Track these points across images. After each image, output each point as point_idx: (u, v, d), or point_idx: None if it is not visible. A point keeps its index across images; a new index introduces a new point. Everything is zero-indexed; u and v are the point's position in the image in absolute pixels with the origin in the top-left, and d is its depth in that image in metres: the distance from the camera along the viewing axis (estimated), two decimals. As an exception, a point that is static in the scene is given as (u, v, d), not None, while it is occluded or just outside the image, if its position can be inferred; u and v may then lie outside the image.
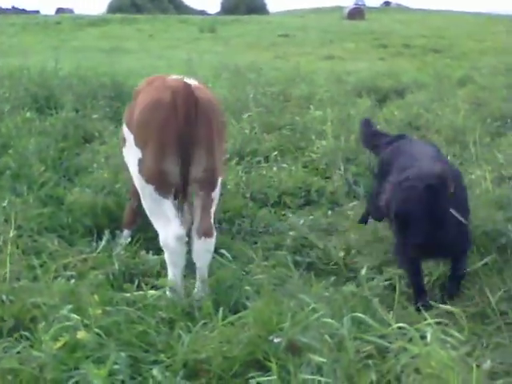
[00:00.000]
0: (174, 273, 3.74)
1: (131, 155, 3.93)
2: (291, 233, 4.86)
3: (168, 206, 3.68)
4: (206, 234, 3.75)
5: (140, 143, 3.74)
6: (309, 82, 11.66)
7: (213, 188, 3.78)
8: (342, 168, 6.31)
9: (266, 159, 6.77)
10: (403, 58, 20.14)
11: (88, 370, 2.58)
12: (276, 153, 6.84)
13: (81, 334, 2.87)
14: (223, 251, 4.01)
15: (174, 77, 3.99)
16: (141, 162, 3.74)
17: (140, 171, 3.76)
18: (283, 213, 5.49)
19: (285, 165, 6.53)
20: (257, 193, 5.73)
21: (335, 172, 6.31)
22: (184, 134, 3.55)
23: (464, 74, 13.59)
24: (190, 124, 3.56)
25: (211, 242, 3.77)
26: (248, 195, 5.74)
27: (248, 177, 5.97)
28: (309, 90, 10.32)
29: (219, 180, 3.84)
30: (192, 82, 3.88)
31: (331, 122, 7.39)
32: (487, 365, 2.47)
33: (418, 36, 27.29)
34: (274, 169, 6.43)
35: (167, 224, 3.67)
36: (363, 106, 8.74)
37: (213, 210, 3.82)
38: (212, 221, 3.82)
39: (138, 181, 3.82)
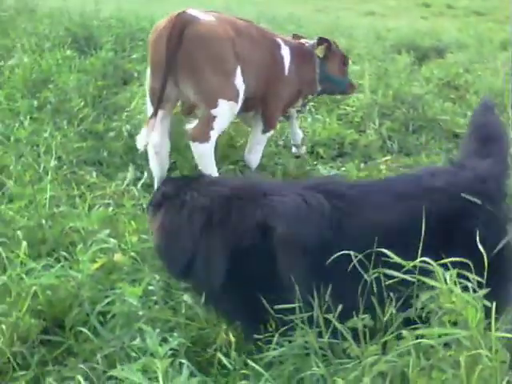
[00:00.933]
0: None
1: None
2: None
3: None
4: (194, 138, 4.15)
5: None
6: (348, 36, 11.54)
7: (210, 106, 4.11)
8: (377, 122, 6.32)
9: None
10: (445, 19, 19.72)
11: (123, 289, 2.71)
12: (311, 104, 6.85)
13: (117, 257, 3.01)
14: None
15: (192, 10, 4.17)
16: None
17: None
18: (315, 162, 5.53)
19: (319, 116, 6.55)
20: (289, 142, 5.77)
21: (369, 126, 6.32)
22: (167, 58, 3.94)
23: (506, 37, 13.29)
24: (172, 50, 3.93)
25: (198, 147, 4.13)
26: (281, 143, 5.82)
27: (282, 126, 6.00)
28: (347, 44, 10.22)
29: (219, 101, 4.10)
30: (205, 15, 4.16)
31: (368, 77, 7.34)
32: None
33: (462, -3, 26.59)
34: (309, 120, 6.47)
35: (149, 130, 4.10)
36: (402, 63, 8.63)
37: (211, 123, 4.13)
38: (204, 129, 4.13)
39: None
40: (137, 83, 6.54)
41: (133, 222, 3.54)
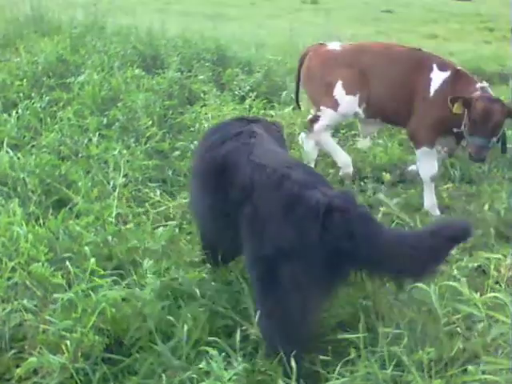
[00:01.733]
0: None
1: None
2: (382, 208, 4.89)
3: None
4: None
5: None
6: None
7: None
8: (440, 149, 6.23)
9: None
10: (509, 43, 19.32)
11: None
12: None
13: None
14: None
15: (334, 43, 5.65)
16: None
17: None
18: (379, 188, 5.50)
19: (380, 141, 6.52)
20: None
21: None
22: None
23: None
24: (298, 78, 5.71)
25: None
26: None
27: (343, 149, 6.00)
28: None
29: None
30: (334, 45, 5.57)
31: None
32: None
33: (527, 21, 26.04)
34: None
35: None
36: (466, 89, 8.51)
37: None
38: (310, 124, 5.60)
39: None
40: (201, 103, 6.65)
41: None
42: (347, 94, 5.33)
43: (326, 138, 5.59)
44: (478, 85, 4.93)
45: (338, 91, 5.35)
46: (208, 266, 3.53)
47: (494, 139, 4.76)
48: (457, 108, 4.81)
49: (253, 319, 2.89)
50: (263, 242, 2.68)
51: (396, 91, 5.19)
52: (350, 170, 5.62)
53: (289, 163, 2.92)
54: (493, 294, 2.28)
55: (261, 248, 2.69)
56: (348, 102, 5.34)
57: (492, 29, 23.62)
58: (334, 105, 5.36)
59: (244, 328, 2.92)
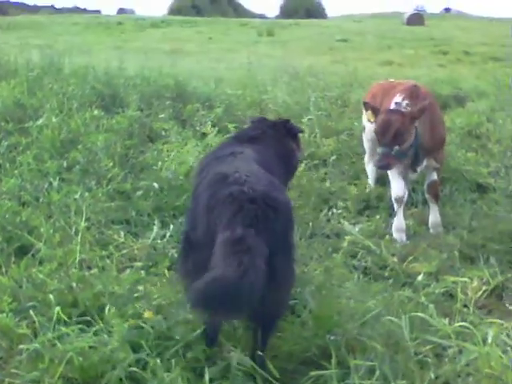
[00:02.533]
0: None
1: None
2: (347, 237, 4.92)
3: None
4: None
5: None
6: (366, 87, 11.62)
7: None
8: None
9: (324, 163, 6.86)
10: (463, 66, 19.87)
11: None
12: (334, 157, 6.92)
13: (148, 314, 3.03)
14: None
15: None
16: None
17: None
18: (344, 215, 5.54)
19: (343, 169, 6.61)
20: (316, 196, 5.81)
21: (394, 179, 6.33)
22: None
23: (525, 83, 13.32)
24: None
25: None
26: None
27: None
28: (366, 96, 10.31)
29: None
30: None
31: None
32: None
33: (478, 43, 26.85)
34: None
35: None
36: (422, 113, 8.68)
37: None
38: None
39: None
40: (163, 141, 6.64)
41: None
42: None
43: None
44: (394, 99, 5.23)
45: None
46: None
47: (397, 147, 4.93)
48: (369, 115, 5.32)
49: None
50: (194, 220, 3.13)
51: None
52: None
53: (247, 172, 3.10)
54: (461, 324, 2.28)
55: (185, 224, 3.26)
56: None
57: (446, 52, 24.30)
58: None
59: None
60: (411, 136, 4.99)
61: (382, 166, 5.09)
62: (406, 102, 5.11)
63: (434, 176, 5.46)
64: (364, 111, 5.71)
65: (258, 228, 2.70)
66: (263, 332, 3.00)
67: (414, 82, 5.81)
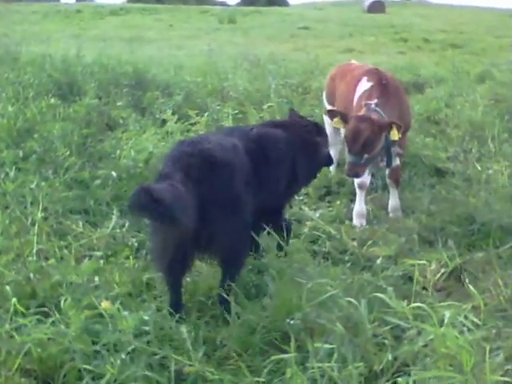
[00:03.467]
0: None
1: None
2: (308, 223, 4.94)
3: None
4: None
5: None
6: (327, 74, 11.67)
7: None
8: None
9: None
10: (422, 53, 20.08)
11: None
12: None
13: (105, 304, 2.99)
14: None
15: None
16: None
17: None
18: (305, 201, 5.56)
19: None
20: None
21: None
22: None
23: (483, 69, 13.55)
24: None
25: None
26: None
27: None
28: (327, 82, 10.35)
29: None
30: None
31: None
32: (500, 357, 2.56)
33: (437, 31, 27.15)
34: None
35: None
36: (382, 100, 8.75)
37: None
38: None
39: None
40: (122, 129, 6.55)
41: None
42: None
43: None
44: (364, 102, 5.09)
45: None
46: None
47: (367, 156, 4.87)
48: (336, 123, 5.11)
49: (191, 354, 2.85)
50: None
51: None
52: None
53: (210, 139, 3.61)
54: (417, 304, 2.30)
55: None
56: None
57: (406, 39, 24.52)
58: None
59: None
60: (381, 142, 4.91)
61: (352, 176, 5.04)
62: (375, 101, 5.02)
63: (397, 161, 5.45)
64: (328, 120, 5.51)
65: (190, 174, 3.18)
66: (223, 271, 3.46)
67: (373, 66, 5.83)
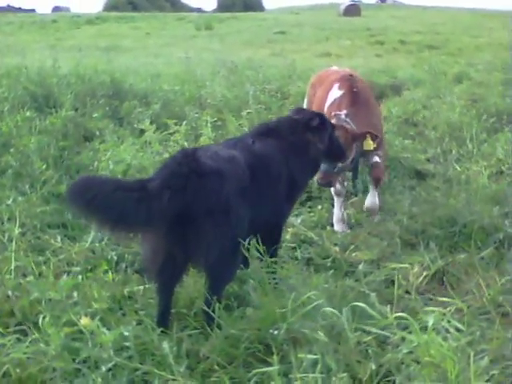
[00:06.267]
0: None
1: None
2: (290, 229, 4.91)
3: None
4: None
5: None
6: (305, 79, 11.67)
7: None
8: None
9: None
10: (399, 55, 20.23)
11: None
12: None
13: (85, 321, 2.94)
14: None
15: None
16: None
17: None
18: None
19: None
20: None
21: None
22: None
23: (460, 70, 13.69)
24: None
25: None
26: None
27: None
28: (305, 87, 10.36)
29: None
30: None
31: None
32: (484, 361, 2.54)
33: (413, 32, 27.41)
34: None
35: None
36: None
37: None
38: None
39: None
40: (99, 140, 6.48)
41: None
42: None
43: None
44: (334, 113, 5.03)
45: None
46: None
47: (340, 165, 4.83)
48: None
49: (174, 368, 2.80)
50: None
51: None
52: None
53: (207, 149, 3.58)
54: (399, 314, 2.28)
55: None
56: None
57: (382, 42, 24.70)
58: None
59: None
60: (353, 150, 4.89)
61: (324, 185, 4.98)
62: (344, 112, 4.98)
63: (376, 158, 5.36)
64: None
65: (175, 183, 3.15)
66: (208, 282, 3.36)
67: (350, 71, 5.82)
